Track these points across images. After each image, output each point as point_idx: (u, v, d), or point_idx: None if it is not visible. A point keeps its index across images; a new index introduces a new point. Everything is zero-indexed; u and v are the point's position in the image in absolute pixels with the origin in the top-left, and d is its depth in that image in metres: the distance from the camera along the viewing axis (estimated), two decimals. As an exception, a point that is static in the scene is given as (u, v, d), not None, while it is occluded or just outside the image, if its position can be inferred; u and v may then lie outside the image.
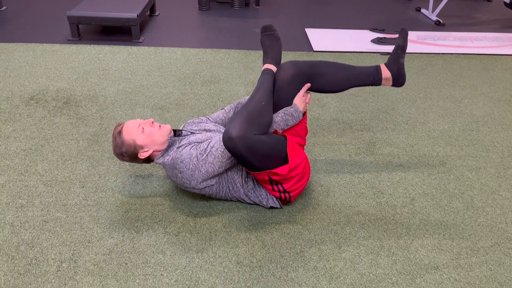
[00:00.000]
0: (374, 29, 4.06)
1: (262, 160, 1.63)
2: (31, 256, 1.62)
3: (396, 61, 1.97)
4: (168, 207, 1.87)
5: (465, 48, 3.74)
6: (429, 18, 4.54)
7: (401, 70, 1.98)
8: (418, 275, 1.60)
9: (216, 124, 1.97)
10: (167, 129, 1.79)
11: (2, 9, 4.24)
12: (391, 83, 2.00)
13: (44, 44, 3.46)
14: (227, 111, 2.04)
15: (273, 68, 1.88)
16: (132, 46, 3.49)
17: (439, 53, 3.62)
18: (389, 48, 3.64)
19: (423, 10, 4.73)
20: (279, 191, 1.79)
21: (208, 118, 2.00)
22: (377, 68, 1.96)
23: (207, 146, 1.70)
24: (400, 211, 1.91)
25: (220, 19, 4.28)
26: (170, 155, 1.76)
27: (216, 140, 1.72)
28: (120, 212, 1.84)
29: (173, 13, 4.40)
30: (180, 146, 1.75)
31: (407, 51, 3.61)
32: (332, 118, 2.62)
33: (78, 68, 3.10)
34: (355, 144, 2.38)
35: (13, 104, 2.60)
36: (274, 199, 1.84)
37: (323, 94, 2.88)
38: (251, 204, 1.90)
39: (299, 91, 1.87)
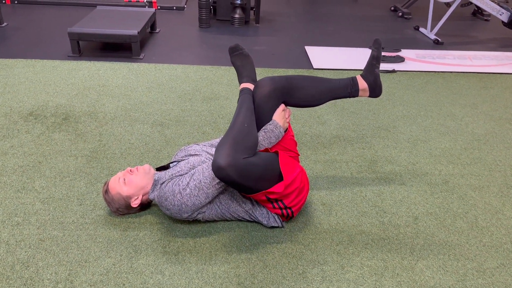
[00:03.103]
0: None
1: (257, 182, 1.61)
2: (26, 276, 1.57)
3: (372, 71, 1.97)
4: (167, 226, 1.83)
5: (464, 66, 3.75)
6: (428, 37, 4.57)
7: (377, 80, 1.98)
8: (424, 297, 1.56)
9: (204, 145, 1.95)
10: (144, 169, 1.81)
11: (3, 25, 4.25)
12: (368, 93, 2.00)
13: (44, 60, 3.46)
14: None
15: (250, 86, 1.88)
16: (133, 63, 3.49)
17: (438, 71, 3.63)
18: (389, 66, 3.65)
19: (421, 29, 4.77)
20: (280, 208, 1.76)
21: (200, 144, 1.98)
22: (353, 80, 1.96)
23: (189, 180, 1.67)
24: (404, 230, 1.88)
25: (220, 37, 4.30)
26: (156, 191, 1.76)
27: (198, 171, 1.69)
28: (118, 230, 1.80)
29: (174, 30, 4.43)
30: (163, 183, 1.74)
31: (405, 68, 3.63)
32: (333, 135, 2.60)
33: (78, 84, 3.09)
34: (356, 162, 2.35)
35: (11, 120, 2.58)
36: (276, 217, 1.80)
37: (323, 111, 2.87)
38: (251, 222, 1.86)
39: (278, 106, 1.86)
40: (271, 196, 1.68)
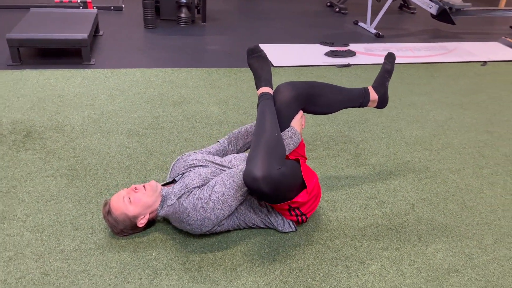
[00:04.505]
0: (324, 43, 4.20)
1: (285, 193, 1.59)
2: (39, 317, 1.40)
3: (383, 84, 2.04)
4: (180, 241, 1.74)
5: (409, 58, 4.01)
6: (368, 31, 4.81)
7: (386, 93, 2.06)
8: (444, 280, 1.65)
9: (201, 153, 1.89)
10: (152, 186, 1.70)
11: None
12: (375, 105, 2.07)
13: (-19, 71, 3.09)
14: (222, 143, 1.97)
15: (270, 90, 1.85)
16: (85, 69, 3.24)
17: (388, 64, 3.84)
18: (343, 61, 3.79)
19: (360, 24, 5.01)
20: (297, 215, 1.75)
21: (198, 152, 1.91)
22: (366, 90, 2.01)
23: (211, 193, 1.60)
24: (406, 218, 1.97)
25: (169, 37, 4.15)
26: (170, 206, 1.66)
27: (219, 183, 1.63)
28: (129, 252, 1.67)
29: (118, 32, 4.19)
30: (181, 197, 1.64)
31: (359, 62, 3.79)
32: (313, 132, 2.64)
33: (30, 95, 2.80)
34: (342, 156, 2.42)
35: (-37, 142, 2.28)
36: (291, 223, 1.79)
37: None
38: (264, 228, 1.84)
39: (297, 113, 1.85)
40: (293, 205, 1.67)
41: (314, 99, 1.85)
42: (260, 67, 1.86)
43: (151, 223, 1.78)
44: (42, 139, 2.35)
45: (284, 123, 1.80)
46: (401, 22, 5.36)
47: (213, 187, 1.61)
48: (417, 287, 1.62)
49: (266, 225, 1.80)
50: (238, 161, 1.80)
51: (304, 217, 1.76)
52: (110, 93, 2.92)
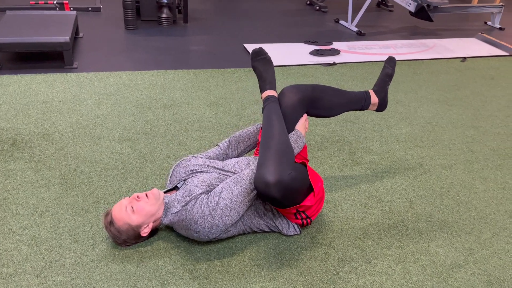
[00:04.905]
0: (308, 42, 4.21)
1: (294, 198, 1.58)
2: (47, 335, 1.35)
3: (384, 87, 2.06)
4: (185, 249, 1.71)
5: (392, 55, 4.06)
6: (350, 29, 4.85)
7: (386, 97, 2.08)
8: (448, 276, 1.68)
9: (201, 157, 1.87)
10: (155, 195, 1.65)
11: None
12: (375, 108, 2.08)
13: (-43, 77, 2.96)
14: (222, 147, 1.95)
15: (275, 93, 1.84)
16: (68, 73, 3.14)
17: (372, 61, 3.89)
18: (328, 59, 3.81)
19: (341, 21, 5.05)
20: (302, 218, 1.75)
21: (197, 157, 1.88)
22: (367, 94, 2.03)
23: (218, 199, 1.58)
24: (406, 216, 2.00)
25: (151, 39, 4.07)
26: (175, 214, 1.63)
27: (226, 189, 1.60)
28: (133, 263, 1.63)
29: (99, 34, 4.08)
30: (187, 204, 1.61)
31: (344, 60, 3.82)
32: (306, 132, 2.64)
33: (12, 102, 2.69)
34: (338, 155, 2.43)
35: None
36: (296, 226, 1.79)
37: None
38: (268, 232, 1.82)
39: (301, 115, 1.85)
40: (300, 209, 1.67)
41: (317, 102, 1.85)
42: (265, 70, 1.84)
43: (154, 231, 1.74)
44: (30, 147, 2.27)
45: (289, 126, 1.79)
46: (380, 19, 5.44)
47: (220, 193, 1.58)
48: (424, 284, 1.64)
49: (271, 229, 1.79)
50: (241, 166, 1.78)
51: (309, 220, 1.76)
52: (97, 97, 2.84)
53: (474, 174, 2.36)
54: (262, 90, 1.83)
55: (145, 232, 1.64)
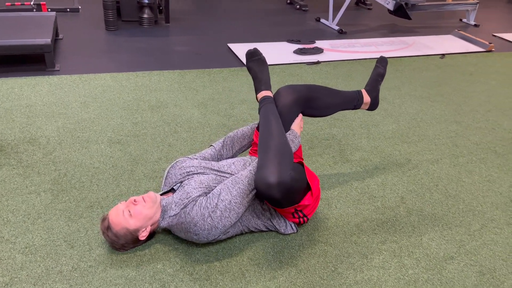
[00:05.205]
0: (291, 41, 4.24)
1: (293, 198, 1.60)
2: None
3: (376, 87, 2.10)
4: (183, 251, 1.70)
5: (374, 53, 4.13)
6: (331, 27, 4.91)
7: (378, 96, 2.12)
8: (442, 268, 1.73)
9: (196, 158, 1.87)
10: (151, 198, 1.64)
11: None
12: (367, 107, 2.12)
13: None
14: (216, 147, 1.95)
15: (271, 94, 1.85)
16: (51, 76, 3.08)
17: (355, 59, 3.95)
18: (312, 58, 3.84)
19: (322, 20, 5.10)
20: (299, 217, 1.77)
21: (192, 158, 1.88)
22: (359, 93, 2.06)
23: (217, 201, 1.58)
24: (398, 211, 2.04)
25: (133, 39, 4.02)
26: (174, 217, 1.63)
27: (225, 191, 1.60)
28: (132, 267, 1.61)
29: (79, 35, 4.00)
30: (186, 207, 1.61)
31: (327, 59, 3.86)
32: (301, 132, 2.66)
33: (-6, 107, 2.62)
34: (328, 153, 2.46)
35: None
36: (293, 225, 1.81)
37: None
38: (265, 231, 1.84)
39: (297, 115, 1.87)
40: (298, 208, 1.68)
41: (313, 102, 1.87)
42: (260, 71, 1.85)
43: (151, 235, 1.72)
44: (16, 153, 2.21)
45: (284, 126, 1.80)
46: (359, 18, 5.51)
47: (219, 195, 1.58)
48: (419, 277, 1.68)
49: (268, 228, 1.80)
50: (238, 167, 1.78)
51: (305, 218, 1.78)
52: (82, 100, 2.79)
53: (459, 168, 2.43)
54: (257, 90, 1.84)
55: (143, 236, 1.63)
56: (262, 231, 1.83)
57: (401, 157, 2.48)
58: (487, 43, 4.52)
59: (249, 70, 1.89)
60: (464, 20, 5.63)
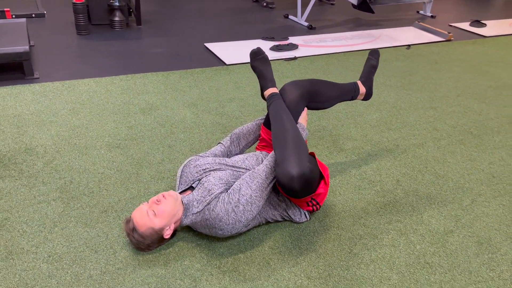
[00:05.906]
0: (265, 38, 4.33)
1: (311, 188, 1.68)
2: None
3: (370, 78, 2.23)
4: (206, 247, 1.76)
5: (345, 46, 4.30)
6: (300, 24, 5.04)
7: (372, 86, 2.26)
8: (445, 241, 1.89)
9: (207, 156, 1.93)
10: (173, 196, 1.69)
11: None
12: (362, 97, 2.25)
13: None
14: (225, 144, 2.02)
15: (277, 90, 1.93)
16: (32, 84, 3.00)
17: (330, 53, 4.09)
18: (289, 54, 3.95)
19: (291, 17, 5.22)
20: (313, 205, 1.86)
21: (204, 156, 1.94)
22: (356, 85, 2.18)
23: (239, 196, 1.65)
24: (396, 193, 2.19)
25: (107, 43, 3.97)
26: (197, 214, 1.68)
27: (245, 186, 1.67)
28: (160, 266, 1.65)
29: (51, 41, 3.90)
30: (209, 204, 1.66)
31: (303, 54, 3.98)
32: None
33: (-20, 119, 2.54)
34: (322, 144, 2.57)
35: None
36: (307, 213, 1.90)
37: (262, 102, 2.99)
38: (280, 221, 1.92)
39: (303, 110, 1.96)
40: (314, 197, 1.78)
41: (316, 96, 1.97)
42: (265, 69, 1.93)
43: (174, 233, 1.76)
44: (15, 164, 2.17)
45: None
46: (324, 13, 5.69)
47: (239, 190, 1.65)
48: (427, 251, 1.83)
49: (284, 218, 1.88)
50: (251, 162, 1.85)
51: (318, 205, 1.88)
52: (70, 107, 2.75)
53: (443, 149, 2.61)
54: (264, 88, 1.91)
55: (167, 234, 1.67)
56: (277, 221, 1.91)
57: (389, 143, 2.63)
58: (446, 32, 4.81)
59: (254, 69, 1.96)
60: (421, 12, 5.94)
